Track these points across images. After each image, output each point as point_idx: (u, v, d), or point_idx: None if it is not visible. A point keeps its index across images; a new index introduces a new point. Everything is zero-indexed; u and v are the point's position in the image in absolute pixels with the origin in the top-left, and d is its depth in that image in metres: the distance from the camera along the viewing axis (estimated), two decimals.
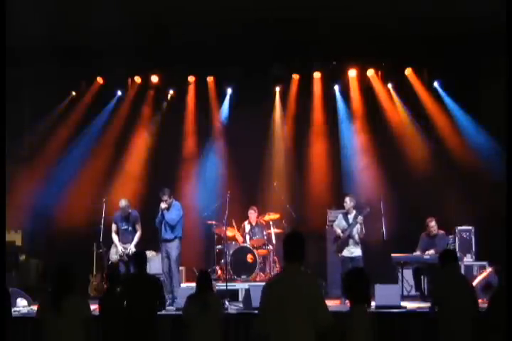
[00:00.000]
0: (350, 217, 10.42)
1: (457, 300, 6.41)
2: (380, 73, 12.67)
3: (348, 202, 10.45)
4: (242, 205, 11.88)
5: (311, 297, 4.65)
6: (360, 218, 10.24)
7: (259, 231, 11.79)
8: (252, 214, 11.85)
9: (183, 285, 10.49)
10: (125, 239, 10.49)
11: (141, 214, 10.66)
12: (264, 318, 4.76)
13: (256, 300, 8.84)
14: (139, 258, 7.55)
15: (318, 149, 12.70)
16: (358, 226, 10.27)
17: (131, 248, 10.35)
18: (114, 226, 10.62)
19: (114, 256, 10.44)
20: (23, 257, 11.72)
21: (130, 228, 10.50)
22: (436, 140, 12.38)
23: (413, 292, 10.72)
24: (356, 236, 10.26)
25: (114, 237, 10.56)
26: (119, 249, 10.38)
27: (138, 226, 10.52)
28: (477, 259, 10.99)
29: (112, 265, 10.54)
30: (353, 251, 10.27)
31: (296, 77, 12.74)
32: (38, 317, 6.07)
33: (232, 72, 12.28)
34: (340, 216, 10.67)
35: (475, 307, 6.53)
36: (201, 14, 10.32)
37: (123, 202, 10.47)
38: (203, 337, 6.72)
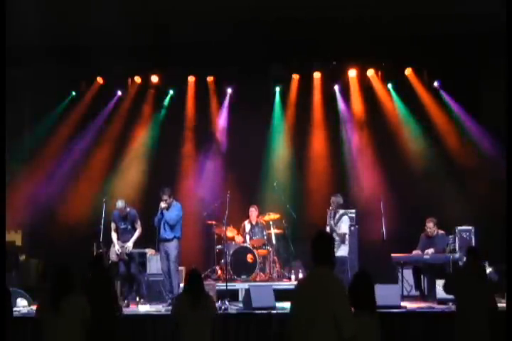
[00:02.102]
0: (336, 216, 10.42)
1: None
2: (380, 73, 12.67)
3: (331, 202, 10.44)
4: (242, 205, 11.88)
5: (335, 303, 4.51)
6: (342, 218, 10.25)
7: (259, 231, 11.80)
8: (253, 212, 11.86)
9: (183, 285, 10.48)
10: (124, 238, 10.52)
11: (141, 214, 10.67)
12: (292, 319, 4.72)
13: (256, 300, 8.92)
14: (95, 259, 7.33)
15: (318, 149, 12.70)
16: (340, 225, 10.22)
17: (129, 245, 10.37)
18: (113, 225, 10.64)
19: (113, 255, 10.46)
20: (23, 257, 11.71)
21: (129, 227, 10.52)
22: (436, 140, 12.38)
23: (413, 292, 10.72)
24: (337, 238, 10.07)
25: (113, 236, 10.59)
26: (117, 248, 10.40)
27: (137, 225, 10.54)
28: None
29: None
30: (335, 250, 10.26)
31: (296, 77, 12.74)
32: (38, 317, 6.08)
33: (232, 72, 12.27)
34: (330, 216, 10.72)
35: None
36: (201, 14, 10.32)
37: (119, 204, 10.47)
38: (193, 338, 6.66)
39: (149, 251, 10.53)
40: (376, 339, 5.23)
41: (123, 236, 10.55)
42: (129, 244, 10.42)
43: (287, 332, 4.73)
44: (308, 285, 4.74)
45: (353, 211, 11.87)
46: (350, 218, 10.94)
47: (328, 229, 10.46)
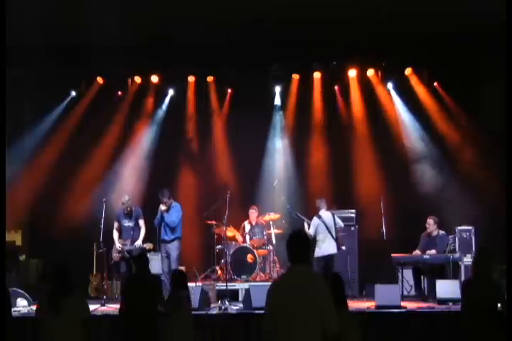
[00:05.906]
0: None
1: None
2: (380, 73, 12.66)
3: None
4: (242, 205, 11.89)
5: (321, 299, 4.46)
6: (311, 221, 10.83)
7: (259, 231, 11.79)
8: (253, 213, 11.86)
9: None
10: (126, 236, 10.55)
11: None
12: (270, 318, 4.58)
13: (256, 300, 8.91)
14: (140, 260, 7.31)
15: (318, 149, 12.69)
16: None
17: (139, 243, 10.38)
18: (116, 224, 10.67)
19: (115, 254, 10.50)
20: (23, 257, 11.72)
21: (132, 224, 10.54)
22: (436, 139, 12.38)
23: (413, 292, 10.72)
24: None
25: (115, 235, 10.61)
26: (117, 246, 10.41)
27: (141, 223, 10.56)
28: None
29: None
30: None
31: (296, 77, 12.73)
32: (38, 317, 6.08)
33: (233, 72, 12.26)
34: None
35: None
36: (201, 14, 10.32)
37: (126, 197, 10.56)
38: (177, 336, 6.71)
39: (148, 246, 10.52)
40: (354, 338, 5.29)
41: (125, 234, 10.56)
42: (138, 242, 10.42)
43: (265, 332, 4.60)
44: (288, 283, 4.61)
45: (353, 211, 11.90)
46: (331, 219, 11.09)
47: None
